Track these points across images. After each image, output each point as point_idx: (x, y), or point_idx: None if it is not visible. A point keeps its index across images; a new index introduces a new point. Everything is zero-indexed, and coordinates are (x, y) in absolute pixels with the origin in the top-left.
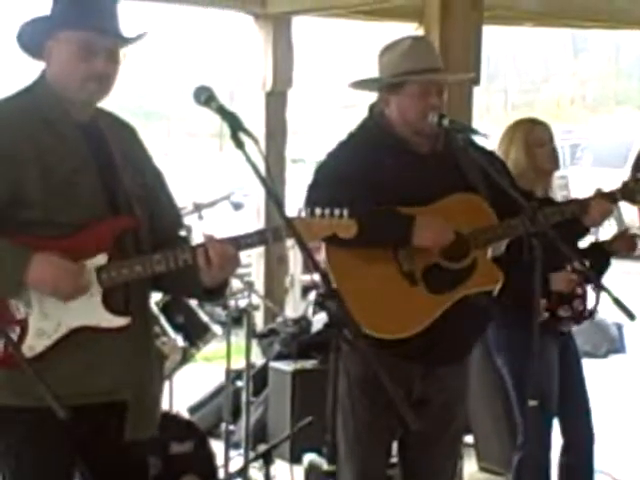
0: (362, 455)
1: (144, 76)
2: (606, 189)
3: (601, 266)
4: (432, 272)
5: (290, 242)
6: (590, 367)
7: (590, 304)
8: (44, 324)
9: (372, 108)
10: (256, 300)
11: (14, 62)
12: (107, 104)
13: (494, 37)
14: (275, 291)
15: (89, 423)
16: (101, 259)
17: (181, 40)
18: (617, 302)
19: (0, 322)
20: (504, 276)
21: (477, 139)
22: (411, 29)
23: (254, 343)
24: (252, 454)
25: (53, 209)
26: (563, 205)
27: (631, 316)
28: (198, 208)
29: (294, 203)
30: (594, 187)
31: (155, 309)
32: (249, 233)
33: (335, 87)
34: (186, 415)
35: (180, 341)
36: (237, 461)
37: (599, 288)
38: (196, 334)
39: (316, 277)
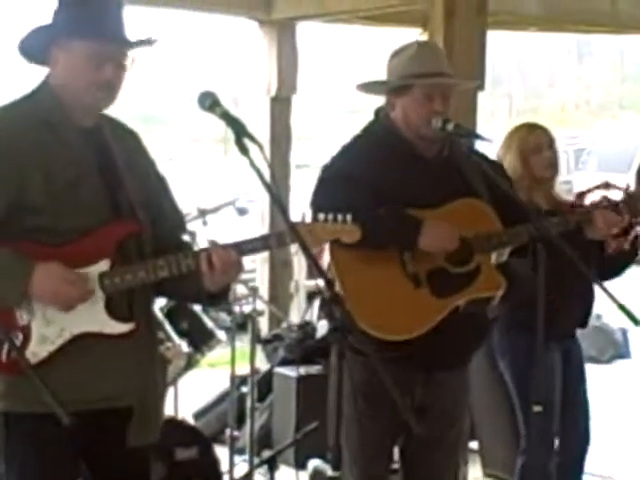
0: (364, 460)
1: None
2: (611, 195)
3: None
4: (436, 275)
5: (294, 247)
6: (595, 372)
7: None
8: (47, 330)
9: (378, 112)
10: (260, 306)
11: (14, 68)
12: (111, 110)
13: (498, 42)
14: (280, 297)
15: (92, 429)
16: (104, 265)
17: (185, 46)
18: (622, 307)
19: (3, 328)
20: (508, 280)
21: (481, 144)
22: (415, 34)
23: (259, 349)
24: (257, 460)
25: (56, 215)
26: (568, 215)
27: (636, 321)
28: (202, 213)
29: (299, 208)
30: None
31: (160, 315)
32: (252, 238)
33: (339, 92)
34: (191, 421)
35: (185, 347)
36: (242, 467)
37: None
38: (201, 340)
39: (320, 282)
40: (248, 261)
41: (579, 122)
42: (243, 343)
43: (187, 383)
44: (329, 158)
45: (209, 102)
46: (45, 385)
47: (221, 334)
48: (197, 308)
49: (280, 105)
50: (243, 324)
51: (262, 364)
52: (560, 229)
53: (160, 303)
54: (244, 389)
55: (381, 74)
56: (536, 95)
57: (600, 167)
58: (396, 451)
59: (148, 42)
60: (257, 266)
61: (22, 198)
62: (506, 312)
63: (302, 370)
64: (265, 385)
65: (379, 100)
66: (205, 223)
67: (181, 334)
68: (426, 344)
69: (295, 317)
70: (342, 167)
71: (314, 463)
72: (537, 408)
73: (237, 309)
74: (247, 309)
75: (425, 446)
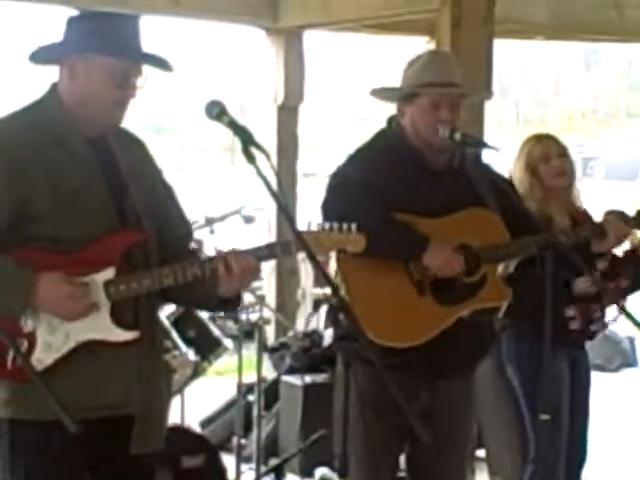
0: (371, 468)
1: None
2: (619, 203)
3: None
4: (442, 284)
5: (301, 256)
6: (602, 381)
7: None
8: (52, 338)
9: (391, 120)
10: (267, 314)
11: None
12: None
13: (505, 51)
14: (286, 305)
15: (96, 436)
16: (109, 273)
17: (192, 54)
18: (629, 316)
19: (8, 335)
20: (516, 288)
21: (489, 153)
22: (422, 43)
23: (265, 357)
24: (263, 468)
25: (61, 223)
26: (578, 228)
27: None
28: (209, 222)
29: (305, 217)
30: (607, 200)
31: (166, 323)
32: (258, 247)
33: (346, 101)
34: (197, 429)
35: (191, 355)
36: (248, 475)
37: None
38: (207, 348)
39: (327, 290)
40: None
41: (586, 130)
42: (250, 351)
43: (194, 391)
44: (339, 163)
45: (217, 111)
46: (51, 392)
47: (228, 342)
48: (204, 316)
49: (287, 113)
50: (250, 332)
51: (269, 372)
52: (570, 242)
53: (167, 311)
54: (251, 397)
55: (389, 82)
56: (543, 103)
57: (608, 175)
58: (402, 459)
59: (167, 67)
60: (264, 274)
61: (27, 207)
62: (513, 319)
63: (308, 378)
64: (272, 393)
65: (386, 108)
66: (212, 231)
67: (188, 342)
68: (431, 352)
69: (302, 325)
70: (351, 173)
71: (321, 471)
72: (545, 417)
73: (244, 317)
74: (254, 317)
75: (431, 454)
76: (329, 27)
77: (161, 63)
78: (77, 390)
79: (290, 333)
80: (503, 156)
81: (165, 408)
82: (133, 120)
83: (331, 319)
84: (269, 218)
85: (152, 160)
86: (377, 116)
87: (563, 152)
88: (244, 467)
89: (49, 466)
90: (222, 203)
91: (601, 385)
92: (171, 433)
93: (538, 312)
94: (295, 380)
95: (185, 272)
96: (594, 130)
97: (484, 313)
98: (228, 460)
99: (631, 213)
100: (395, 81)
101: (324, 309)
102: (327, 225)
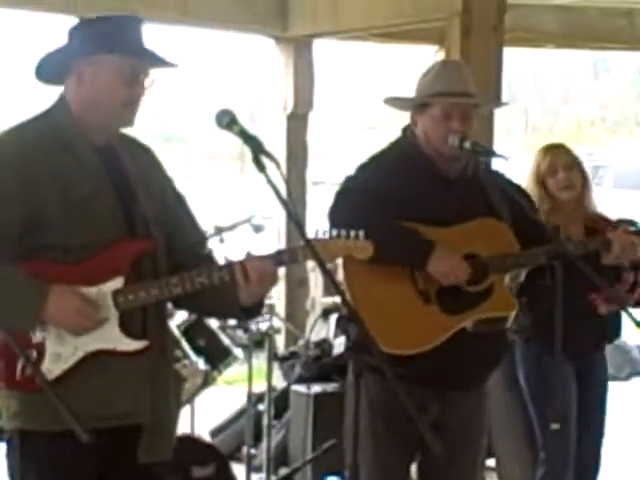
0: (381, 478)
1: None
2: (627, 211)
3: None
4: (448, 292)
5: (311, 264)
6: (612, 390)
7: None
8: (61, 348)
9: (405, 129)
10: (277, 323)
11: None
12: (130, 129)
13: (514, 59)
14: (296, 314)
15: (105, 446)
16: (117, 282)
17: (202, 63)
18: (638, 325)
19: (18, 345)
20: (526, 297)
21: (497, 161)
22: (432, 52)
23: (275, 366)
24: (274, 478)
25: (71, 231)
26: (587, 240)
27: None
28: (219, 231)
29: (315, 225)
30: (615, 209)
31: (176, 332)
32: (266, 255)
33: (356, 109)
34: (207, 438)
35: (201, 364)
36: None
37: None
38: (217, 357)
39: (337, 299)
40: None
41: (595, 139)
42: (260, 360)
43: (204, 400)
44: (353, 170)
45: (227, 120)
46: (62, 401)
47: (238, 351)
48: (214, 325)
49: (296, 122)
50: (260, 341)
51: (279, 382)
52: (578, 253)
53: (177, 320)
54: (261, 407)
55: (398, 90)
56: (552, 111)
57: (616, 184)
58: (414, 469)
59: (172, 64)
60: None
61: (37, 216)
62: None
63: (318, 388)
64: (282, 403)
65: (396, 117)
66: (222, 241)
67: (198, 352)
68: (444, 364)
69: (312, 334)
70: (360, 180)
71: None
72: (555, 426)
73: (254, 327)
74: (264, 327)
75: (443, 464)
76: (338, 36)
77: (165, 61)
78: (87, 399)
79: (300, 342)
80: (512, 164)
81: (174, 418)
82: (142, 129)
83: (341, 328)
84: (279, 226)
85: (161, 167)
86: (386, 125)
87: (572, 163)
88: (254, 477)
89: (59, 476)
90: (231, 212)
91: (611, 394)
92: (181, 443)
93: (548, 321)
94: (305, 389)
95: (193, 281)
96: (603, 138)
97: (489, 323)
98: (238, 470)
99: None
100: (405, 89)
101: (334, 318)
102: (335, 232)
